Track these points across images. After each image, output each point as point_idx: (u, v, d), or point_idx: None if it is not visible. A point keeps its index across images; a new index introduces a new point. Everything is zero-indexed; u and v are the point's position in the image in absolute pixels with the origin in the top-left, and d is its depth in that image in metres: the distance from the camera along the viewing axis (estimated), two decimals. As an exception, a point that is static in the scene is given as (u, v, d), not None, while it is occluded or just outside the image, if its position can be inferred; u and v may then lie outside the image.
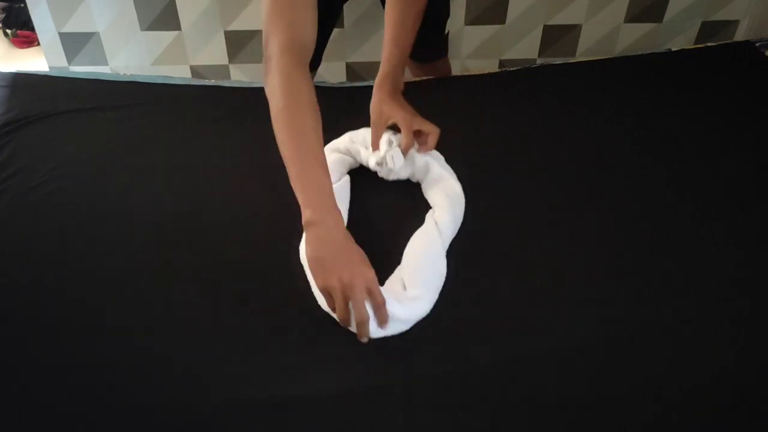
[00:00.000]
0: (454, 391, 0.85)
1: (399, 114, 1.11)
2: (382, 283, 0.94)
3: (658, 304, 0.96)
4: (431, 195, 1.11)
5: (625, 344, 0.91)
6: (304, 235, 0.92)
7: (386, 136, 1.12)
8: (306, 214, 0.89)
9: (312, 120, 0.93)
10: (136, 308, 0.95)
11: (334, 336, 0.90)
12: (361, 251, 0.89)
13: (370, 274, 0.87)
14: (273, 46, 0.94)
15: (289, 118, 0.92)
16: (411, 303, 0.92)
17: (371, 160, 1.14)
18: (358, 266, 0.87)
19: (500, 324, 0.93)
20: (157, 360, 0.89)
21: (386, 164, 1.11)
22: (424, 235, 1.03)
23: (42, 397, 0.83)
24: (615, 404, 0.84)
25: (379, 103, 1.14)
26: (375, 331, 0.89)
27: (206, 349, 0.90)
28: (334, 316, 0.89)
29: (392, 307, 0.89)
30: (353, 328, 0.88)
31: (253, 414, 0.82)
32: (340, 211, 0.91)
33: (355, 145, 1.18)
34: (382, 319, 0.87)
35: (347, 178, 1.14)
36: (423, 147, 1.13)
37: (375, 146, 1.13)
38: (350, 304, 0.86)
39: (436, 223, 1.04)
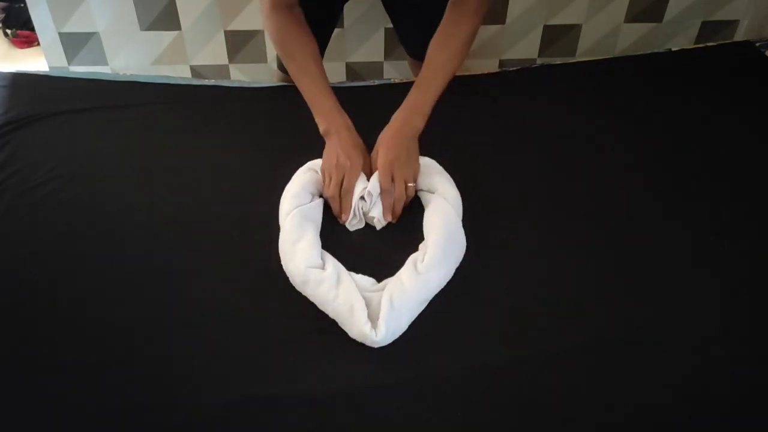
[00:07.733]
0: (454, 391, 0.85)
1: (378, 162, 1.08)
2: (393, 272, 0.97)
3: (659, 306, 0.96)
4: (425, 182, 1.11)
5: (626, 346, 0.91)
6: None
7: (357, 191, 1.06)
8: (321, 127, 1.14)
9: (306, 55, 1.17)
10: (136, 308, 0.95)
11: (337, 336, 0.90)
12: (363, 148, 1.12)
13: (358, 164, 1.08)
14: (264, 2, 1.17)
15: (288, 59, 1.18)
16: (424, 279, 0.94)
17: (349, 224, 1.08)
18: (353, 156, 1.08)
19: (500, 325, 0.93)
20: (156, 360, 0.89)
21: (376, 225, 1.08)
22: (438, 211, 1.04)
23: (47, 398, 0.83)
24: (616, 406, 0.84)
25: (379, 139, 1.12)
26: (399, 329, 0.90)
27: (206, 349, 0.90)
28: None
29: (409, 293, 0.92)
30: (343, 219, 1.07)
31: (254, 413, 0.82)
32: (347, 118, 1.13)
33: None
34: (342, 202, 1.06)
35: (320, 200, 1.09)
36: (385, 213, 1.07)
37: (375, 167, 1.10)
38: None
39: (445, 199, 1.06)
